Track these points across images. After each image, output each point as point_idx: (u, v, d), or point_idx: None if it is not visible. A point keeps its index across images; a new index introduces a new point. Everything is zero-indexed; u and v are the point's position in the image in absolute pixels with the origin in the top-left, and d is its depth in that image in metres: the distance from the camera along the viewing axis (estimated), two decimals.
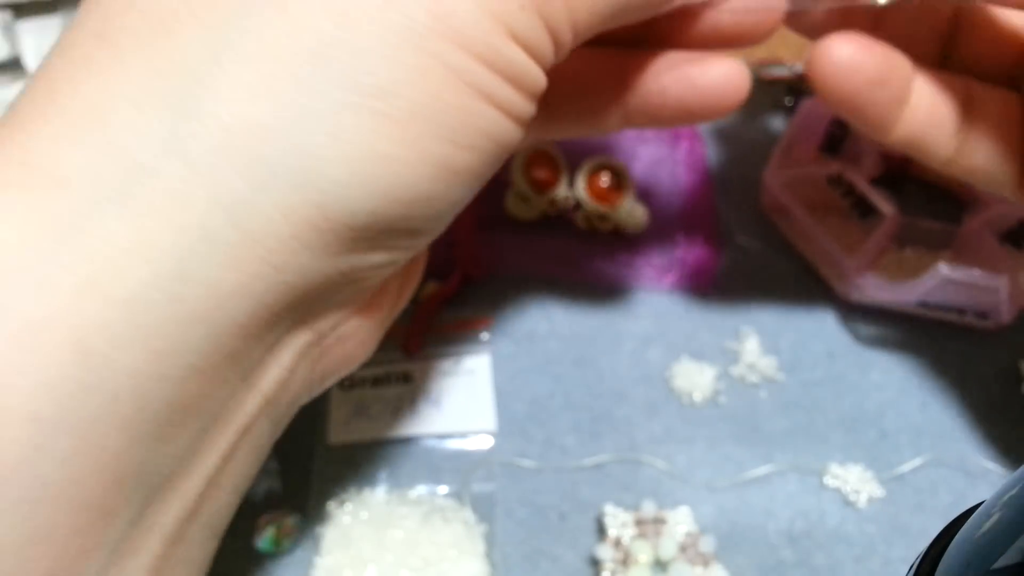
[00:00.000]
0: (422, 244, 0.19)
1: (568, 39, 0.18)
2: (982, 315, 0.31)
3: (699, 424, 0.29)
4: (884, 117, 0.22)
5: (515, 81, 0.17)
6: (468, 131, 0.16)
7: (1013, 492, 0.13)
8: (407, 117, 0.16)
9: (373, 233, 0.17)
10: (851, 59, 0.21)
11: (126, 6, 0.16)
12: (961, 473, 0.28)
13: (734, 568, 0.25)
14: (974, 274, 0.30)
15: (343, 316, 0.19)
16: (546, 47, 0.18)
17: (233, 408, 0.17)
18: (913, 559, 0.16)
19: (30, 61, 0.42)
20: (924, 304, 0.31)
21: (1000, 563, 0.13)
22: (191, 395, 0.16)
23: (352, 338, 0.20)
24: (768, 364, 0.30)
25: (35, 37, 0.44)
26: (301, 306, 0.17)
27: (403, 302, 0.23)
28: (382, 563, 0.25)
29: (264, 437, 0.19)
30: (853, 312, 0.32)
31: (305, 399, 0.20)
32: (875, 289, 0.31)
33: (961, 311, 0.31)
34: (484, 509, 0.26)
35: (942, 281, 0.30)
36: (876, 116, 0.22)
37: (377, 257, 0.17)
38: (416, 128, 0.16)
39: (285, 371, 0.18)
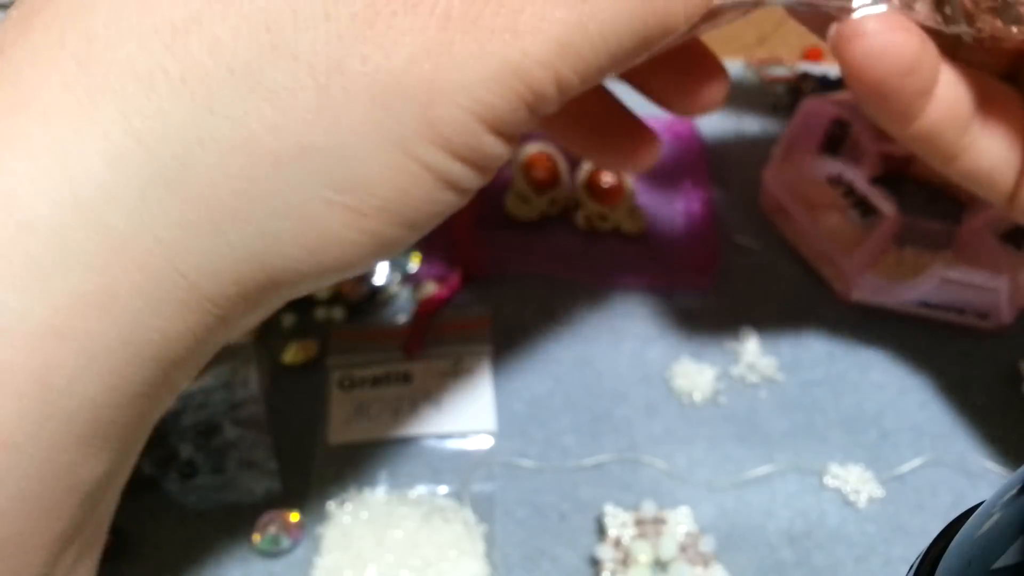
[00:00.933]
0: None
1: (553, 107, 0.18)
2: (982, 315, 0.31)
3: (699, 424, 0.29)
4: (909, 108, 0.21)
5: (482, 166, 0.17)
6: (424, 216, 0.17)
7: (1013, 492, 0.13)
8: (376, 212, 0.17)
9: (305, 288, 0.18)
10: (885, 41, 0.20)
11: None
12: (961, 473, 0.28)
13: (734, 568, 0.25)
14: (974, 274, 0.30)
15: None
16: (525, 127, 0.18)
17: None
18: (913, 559, 0.16)
19: None
20: (924, 304, 0.31)
21: (1000, 563, 0.13)
22: (135, 414, 0.17)
23: None
24: (768, 364, 0.30)
25: None
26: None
27: None
28: (382, 563, 0.25)
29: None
30: (853, 312, 0.32)
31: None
32: (875, 289, 0.31)
33: (961, 311, 0.31)
34: (484, 509, 0.26)
35: (942, 281, 0.30)
36: (901, 106, 0.21)
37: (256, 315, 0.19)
38: (381, 220, 0.17)
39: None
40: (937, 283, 0.30)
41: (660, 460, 0.28)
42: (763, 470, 0.27)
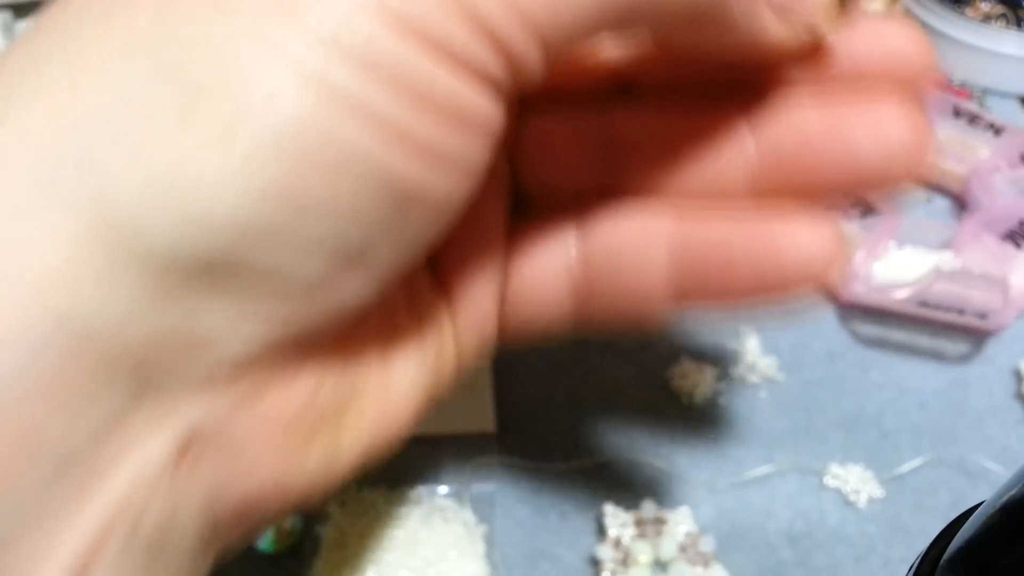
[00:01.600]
0: (305, 292, 0.14)
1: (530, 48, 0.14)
2: (982, 315, 0.31)
3: (699, 424, 0.29)
4: None
5: (439, 106, 0.13)
6: (328, 157, 0.12)
7: (1013, 492, 0.13)
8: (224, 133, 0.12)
9: (196, 273, 0.12)
10: None
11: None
12: (961, 473, 0.28)
13: (734, 568, 0.25)
14: (974, 274, 0.30)
15: (226, 403, 0.14)
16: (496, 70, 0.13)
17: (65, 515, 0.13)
18: (913, 559, 0.16)
19: None
20: (924, 304, 0.31)
21: (1000, 563, 0.13)
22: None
23: (259, 438, 0.15)
24: (768, 364, 0.30)
25: None
26: (127, 373, 0.13)
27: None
28: (382, 563, 0.25)
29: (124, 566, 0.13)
30: (853, 312, 0.32)
31: (213, 538, 0.15)
32: (875, 289, 0.31)
33: (961, 311, 0.31)
34: (484, 509, 0.26)
35: (942, 281, 0.30)
36: None
37: (222, 306, 0.13)
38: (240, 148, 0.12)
39: (135, 474, 0.13)
40: (937, 283, 0.30)
41: (660, 460, 0.28)
42: (763, 470, 0.27)
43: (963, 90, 0.42)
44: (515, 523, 0.26)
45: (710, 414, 0.29)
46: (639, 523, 0.26)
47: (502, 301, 0.20)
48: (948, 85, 0.42)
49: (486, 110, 0.14)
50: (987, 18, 0.43)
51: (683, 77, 0.19)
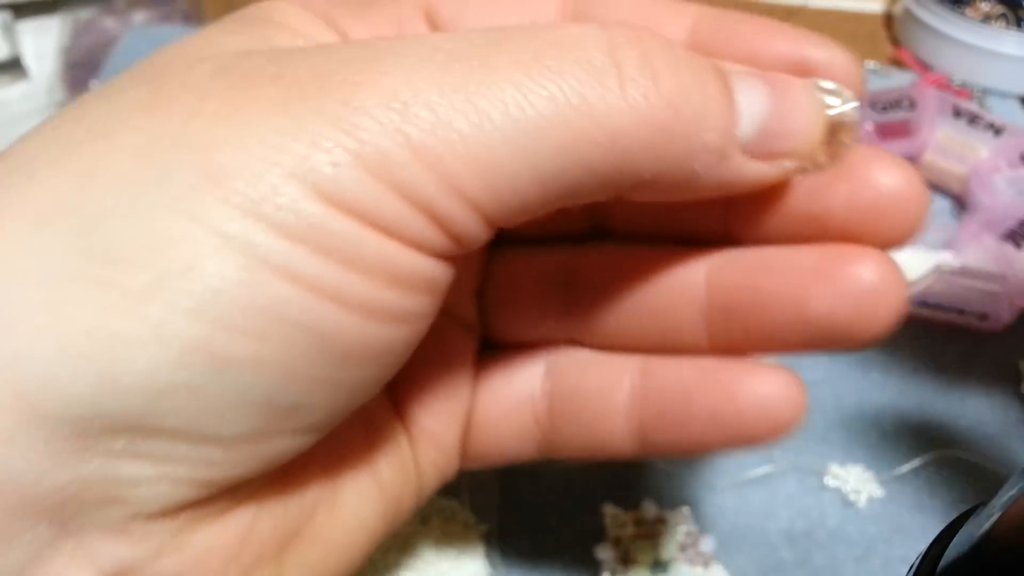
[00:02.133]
0: (231, 448, 0.14)
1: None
2: (982, 315, 0.31)
3: None
4: None
5: (348, 259, 0.13)
6: (249, 311, 0.12)
7: (1013, 492, 0.13)
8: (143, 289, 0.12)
9: (112, 432, 0.12)
10: None
11: None
12: (961, 473, 0.28)
13: (734, 568, 0.25)
14: (974, 274, 0.30)
15: (153, 543, 0.14)
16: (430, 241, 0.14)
17: None
18: (913, 559, 0.16)
19: (30, 61, 0.42)
20: (924, 304, 0.31)
21: (1000, 563, 0.13)
22: None
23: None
24: (768, 364, 0.30)
25: (35, 37, 0.44)
26: (44, 517, 0.13)
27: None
28: (382, 563, 0.25)
29: None
30: None
31: None
32: None
33: (961, 311, 0.31)
34: (484, 509, 0.26)
35: (942, 281, 0.30)
36: None
37: (140, 464, 0.13)
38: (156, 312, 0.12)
39: None
40: (937, 283, 0.30)
41: (660, 460, 0.28)
42: (763, 470, 0.27)
43: (963, 90, 0.42)
44: (515, 523, 0.26)
45: None
46: (639, 523, 0.26)
47: (467, 429, 0.20)
48: (948, 85, 0.42)
49: (422, 269, 0.14)
50: (987, 18, 0.43)
51: (656, 215, 0.18)
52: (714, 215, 0.17)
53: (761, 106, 0.15)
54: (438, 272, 0.14)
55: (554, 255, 0.20)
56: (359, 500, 0.18)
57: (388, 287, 0.13)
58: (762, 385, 0.17)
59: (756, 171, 0.15)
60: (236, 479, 0.14)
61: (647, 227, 0.19)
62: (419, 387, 0.19)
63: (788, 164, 0.15)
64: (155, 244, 0.12)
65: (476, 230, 0.14)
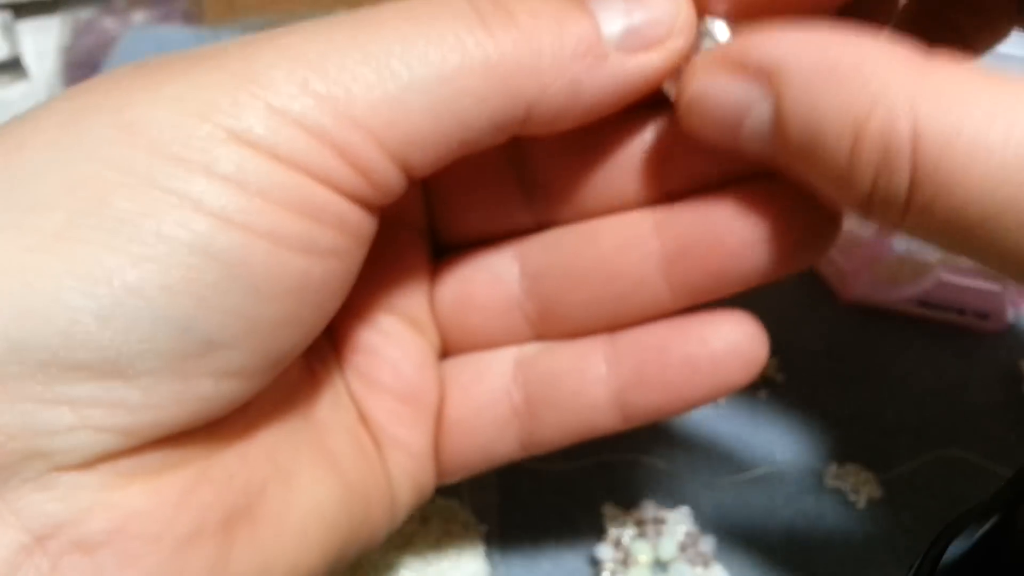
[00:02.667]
0: (145, 399, 0.14)
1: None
2: (982, 315, 0.31)
3: (699, 424, 0.29)
4: None
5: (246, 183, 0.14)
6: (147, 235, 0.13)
7: (1013, 492, 0.13)
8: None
9: (29, 369, 0.13)
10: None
11: None
12: (961, 473, 0.28)
13: (734, 568, 0.25)
14: (974, 274, 0.30)
15: (84, 496, 0.13)
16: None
17: None
18: (913, 559, 0.16)
19: (30, 61, 0.42)
20: (924, 304, 0.31)
21: (1000, 563, 0.13)
22: None
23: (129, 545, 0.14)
24: (768, 364, 0.30)
25: (35, 37, 0.44)
26: None
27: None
28: (382, 563, 0.25)
29: None
30: (853, 312, 0.32)
31: None
32: (875, 289, 0.31)
33: (961, 311, 0.31)
34: (484, 509, 0.26)
35: (942, 281, 0.30)
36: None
37: (57, 415, 0.13)
38: (67, 239, 0.13)
39: None
40: (937, 283, 0.30)
41: (660, 460, 0.28)
42: (763, 470, 0.27)
43: None
44: (515, 523, 0.26)
45: (710, 414, 0.29)
46: (639, 523, 0.26)
47: (441, 433, 0.20)
48: None
49: (325, 202, 0.15)
50: None
51: (589, 193, 0.19)
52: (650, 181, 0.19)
53: (617, 3, 0.16)
54: (345, 208, 0.15)
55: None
56: (316, 486, 0.17)
57: (294, 217, 0.14)
58: (730, 327, 0.18)
59: (639, 64, 0.16)
60: (159, 427, 0.14)
61: (585, 206, 0.19)
62: (380, 398, 0.19)
63: (671, 45, 0.16)
64: (69, 188, 0.13)
65: (374, 158, 0.15)
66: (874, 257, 0.31)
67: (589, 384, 0.19)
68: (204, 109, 0.14)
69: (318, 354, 0.19)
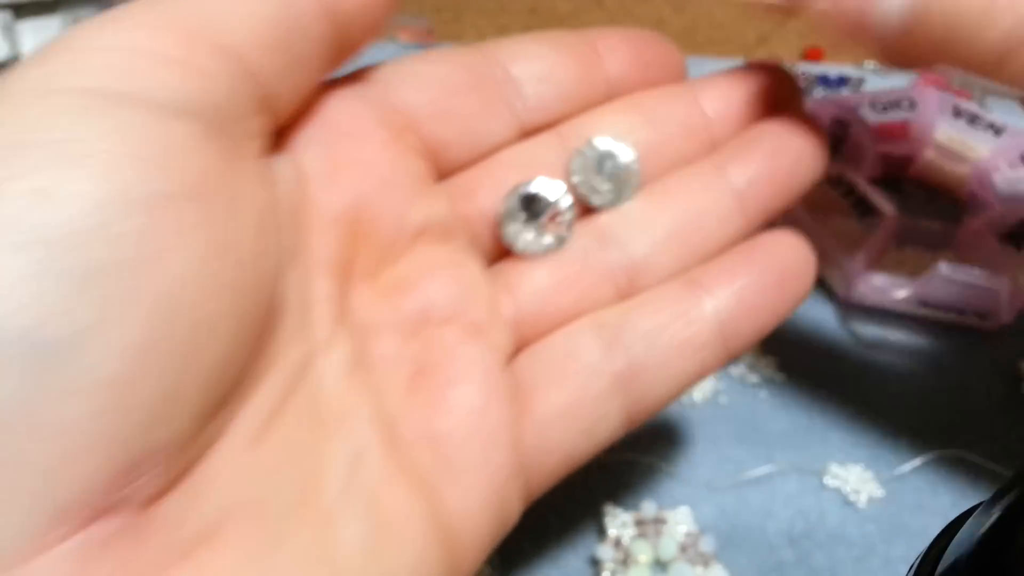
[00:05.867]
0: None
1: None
2: (982, 315, 0.31)
3: (699, 424, 0.29)
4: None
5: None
6: None
7: (1013, 492, 0.13)
8: None
9: None
10: None
11: None
12: (961, 473, 0.28)
13: (734, 568, 0.25)
14: (974, 274, 0.30)
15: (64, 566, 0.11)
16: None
17: None
18: (913, 559, 0.16)
19: None
20: (924, 304, 0.31)
21: (1001, 564, 0.13)
22: None
23: None
24: (768, 364, 0.30)
25: (35, 37, 0.44)
26: None
27: None
28: None
29: None
30: (853, 312, 0.32)
31: None
32: (875, 289, 0.31)
33: (961, 311, 0.31)
34: None
35: (942, 281, 0.30)
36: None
37: None
38: None
39: None
40: (937, 283, 0.30)
41: (660, 460, 0.28)
42: (763, 470, 0.27)
43: (963, 90, 0.42)
44: (515, 523, 0.26)
45: (710, 414, 0.29)
46: (639, 523, 0.26)
47: (529, 445, 0.19)
48: (948, 85, 0.42)
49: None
50: None
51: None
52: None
53: None
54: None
55: None
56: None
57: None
58: (787, 240, 0.20)
59: None
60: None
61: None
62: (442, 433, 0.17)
63: None
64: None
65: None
66: (874, 257, 0.31)
67: (695, 325, 0.19)
68: (113, 41, 0.15)
69: None
